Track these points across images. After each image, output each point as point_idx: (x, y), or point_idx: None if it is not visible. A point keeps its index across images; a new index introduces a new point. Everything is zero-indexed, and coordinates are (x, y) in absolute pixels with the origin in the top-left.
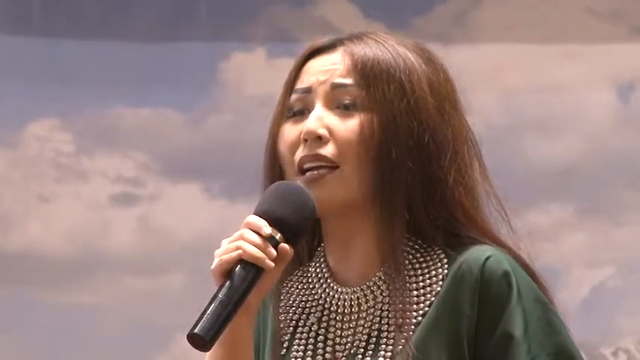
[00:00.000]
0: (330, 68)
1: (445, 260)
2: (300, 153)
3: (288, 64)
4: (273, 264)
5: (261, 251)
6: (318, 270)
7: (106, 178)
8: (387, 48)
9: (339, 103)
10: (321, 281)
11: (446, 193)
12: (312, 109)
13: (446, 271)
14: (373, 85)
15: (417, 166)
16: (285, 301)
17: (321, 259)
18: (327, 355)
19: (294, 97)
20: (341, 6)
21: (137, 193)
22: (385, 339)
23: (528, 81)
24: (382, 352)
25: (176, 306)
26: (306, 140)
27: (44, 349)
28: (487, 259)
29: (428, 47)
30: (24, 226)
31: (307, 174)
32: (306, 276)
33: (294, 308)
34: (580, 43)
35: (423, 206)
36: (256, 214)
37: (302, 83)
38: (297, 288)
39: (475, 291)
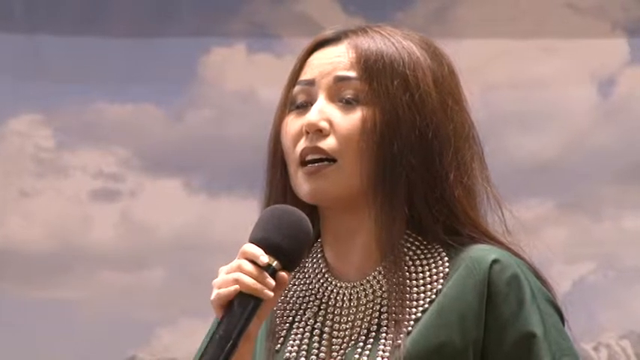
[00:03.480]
0: (333, 61)
1: (446, 258)
2: (301, 145)
3: (268, 60)
4: (272, 294)
5: (259, 282)
6: (315, 265)
7: (87, 174)
8: (392, 42)
9: (341, 97)
10: (319, 276)
11: (446, 190)
12: (315, 102)
13: (447, 269)
14: (376, 79)
15: (418, 162)
16: (281, 296)
17: (319, 254)
18: (322, 348)
19: (297, 89)
20: (321, 1)
21: (118, 189)
22: (385, 333)
23: (508, 76)
24: (381, 347)
25: (157, 301)
26: (307, 132)
27: (24, 344)
28: (494, 259)
29: (432, 42)
30: (4, 221)
31: (307, 166)
32: (303, 271)
33: (290, 304)
34: (560, 38)
35: (425, 202)
36: (252, 241)
37: (305, 75)
38: (294, 284)
39: (482, 290)
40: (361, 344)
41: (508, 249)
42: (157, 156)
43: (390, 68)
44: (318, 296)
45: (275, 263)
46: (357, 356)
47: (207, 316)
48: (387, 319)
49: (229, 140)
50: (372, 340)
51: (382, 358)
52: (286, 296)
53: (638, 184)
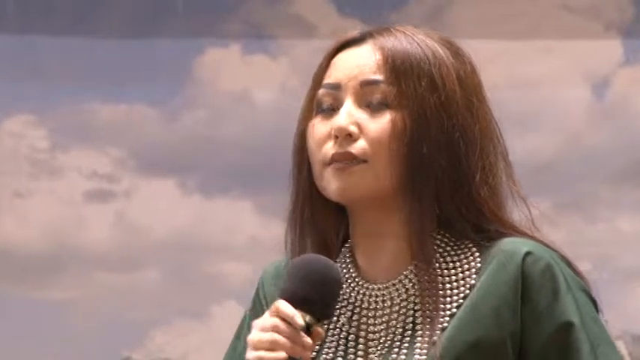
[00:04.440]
0: (359, 63)
1: (477, 254)
2: (330, 149)
3: (263, 61)
4: (311, 355)
5: (298, 345)
6: (344, 270)
7: (81, 174)
8: (416, 41)
9: (369, 101)
10: (349, 281)
11: (472, 190)
12: (342, 106)
13: (479, 264)
14: (404, 81)
15: (446, 163)
16: None
17: (347, 259)
18: (359, 352)
19: (322, 92)
20: (316, 2)
21: (112, 189)
22: (420, 331)
23: (504, 77)
24: (418, 344)
25: (151, 302)
26: (336, 137)
27: (18, 345)
28: (527, 252)
29: (452, 40)
30: None
31: (336, 164)
32: None
33: None
34: (555, 39)
35: (453, 202)
36: (285, 297)
37: (330, 78)
38: None
39: (517, 283)
40: (397, 344)
41: (539, 241)
42: (152, 156)
43: (417, 68)
44: (350, 301)
45: (308, 318)
46: (394, 356)
47: (201, 316)
48: (422, 316)
49: (224, 141)
50: (408, 338)
51: (420, 355)
52: None
53: (633, 185)
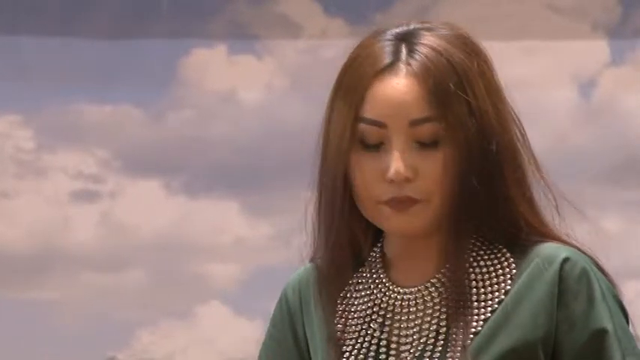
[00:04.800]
0: (402, 99)
1: (512, 259)
2: (387, 191)
3: (248, 61)
4: None
5: None
6: (375, 275)
7: (67, 175)
8: (443, 57)
9: (418, 139)
10: (380, 286)
11: (511, 209)
12: (388, 144)
13: (514, 270)
14: (448, 113)
15: (488, 188)
16: (342, 306)
17: (378, 265)
18: (390, 358)
19: (365, 127)
20: (301, 2)
21: (98, 190)
22: (454, 335)
23: None
24: (451, 349)
25: (136, 302)
26: (392, 180)
27: (3, 345)
28: (564, 257)
29: (465, 34)
30: None
31: (394, 204)
32: (361, 282)
33: (352, 313)
34: (542, 39)
35: (491, 223)
36: None
37: (373, 114)
38: (354, 297)
39: (553, 288)
40: (430, 347)
41: (574, 246)
42: (137, 157)
43: (455, 95)
44: (382, 306)
45: None
46: (426, 359)
47: (187, 316)
48: (455, 320)
49: (210, 141)
50: (441, 342)
51: (452, 359)
52: (346, 307)
53: (619, 185)
